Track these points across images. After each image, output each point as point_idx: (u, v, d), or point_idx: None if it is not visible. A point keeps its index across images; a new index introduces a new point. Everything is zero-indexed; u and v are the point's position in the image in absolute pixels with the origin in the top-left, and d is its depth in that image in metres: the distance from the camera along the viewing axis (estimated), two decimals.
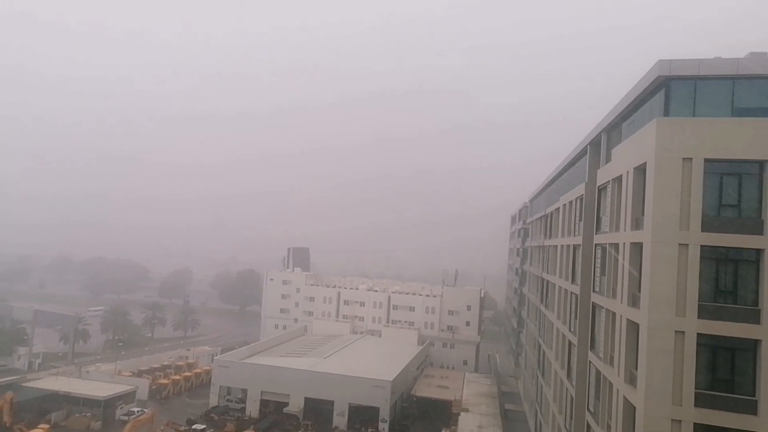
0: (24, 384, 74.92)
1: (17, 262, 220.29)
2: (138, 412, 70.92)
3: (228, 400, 79.14)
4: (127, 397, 75.56)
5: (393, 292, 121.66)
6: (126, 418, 68.68)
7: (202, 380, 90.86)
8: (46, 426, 63.20)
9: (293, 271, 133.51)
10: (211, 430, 66.79)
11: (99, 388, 74.02)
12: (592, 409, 36.60)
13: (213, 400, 79.04)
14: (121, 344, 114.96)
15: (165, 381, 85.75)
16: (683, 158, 25.32)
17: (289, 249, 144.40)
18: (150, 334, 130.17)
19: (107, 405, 71.30)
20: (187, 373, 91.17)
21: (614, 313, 31.73)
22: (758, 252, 24.65)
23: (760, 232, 24.59)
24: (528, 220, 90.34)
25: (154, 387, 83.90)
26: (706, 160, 25.15)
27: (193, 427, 65.96)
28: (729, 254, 25.18)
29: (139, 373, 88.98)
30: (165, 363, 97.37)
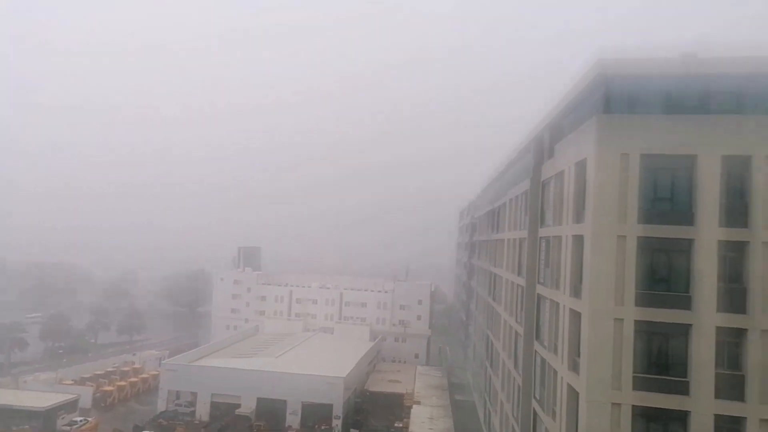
0: None
1: None
2: (81, 421, 67.97)
3: (177, 405, 76.96)
4: (69, 406, 72.20)
5: (345, 289, 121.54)
6: (68, 428, 65.66)
7: (150, 385, 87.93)
8: None
9: (244, 270, 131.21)
10: None
11: (38, 399, 70.46)
12: (538, 397, 37.81)
13: (161, 405, 76.61)
14: (61, 351, 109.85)
15: (109, 387, 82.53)
16: (621, 153, 26.51)
17: (239, 248, 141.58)
18: (93, 340, 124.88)
19: (48, 416, 67.88)
20: (133, 379, 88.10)
21: (558, 304, 32.87)
22: (689, 242, 26.07)
23: (691, 223, 26.04)
24: (476, 215, 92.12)
25: (98, 394, 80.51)
26: (642, 155, 26.41)
27: None
28: (663, 245, 26.52)
29: (82, 381, 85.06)
30: (110, 369, 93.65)
